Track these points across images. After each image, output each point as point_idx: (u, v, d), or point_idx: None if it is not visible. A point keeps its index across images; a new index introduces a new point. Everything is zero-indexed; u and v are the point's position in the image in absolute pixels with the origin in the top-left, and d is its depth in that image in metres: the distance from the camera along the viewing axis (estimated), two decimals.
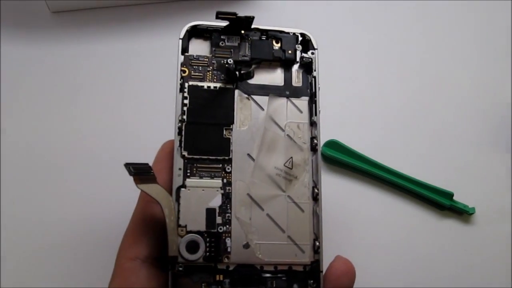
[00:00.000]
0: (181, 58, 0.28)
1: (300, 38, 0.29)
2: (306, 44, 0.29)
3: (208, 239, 0.25)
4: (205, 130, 0.27)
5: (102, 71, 0.42)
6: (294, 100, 0.28)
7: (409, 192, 0.40)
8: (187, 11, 0.44)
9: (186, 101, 0.27)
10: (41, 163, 0.39)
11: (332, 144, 0.40)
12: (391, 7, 0.46)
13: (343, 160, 0.40)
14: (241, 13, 0.27)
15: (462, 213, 0.40)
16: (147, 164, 0.25)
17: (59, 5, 0.42)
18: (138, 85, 0.41)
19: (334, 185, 0.40)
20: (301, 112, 0.28)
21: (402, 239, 0.39)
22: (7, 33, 0.42)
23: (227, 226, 0.26)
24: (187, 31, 0.28)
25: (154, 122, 0.40)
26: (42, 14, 0.43)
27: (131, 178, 0.24)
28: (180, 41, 0.28)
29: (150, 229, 0.26)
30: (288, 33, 0.29)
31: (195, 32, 0.28)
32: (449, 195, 0.40)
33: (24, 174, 0.38)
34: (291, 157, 0.27)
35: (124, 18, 0.43)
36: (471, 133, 0.43)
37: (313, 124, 0.28)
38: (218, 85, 0.27)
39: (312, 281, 0.25)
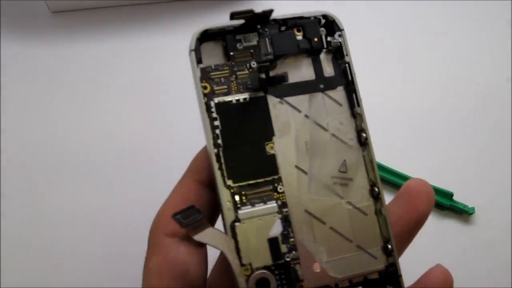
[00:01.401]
0: (198, 72, 0.23)
1: (323, 21, 0.25)
2: (331, 26, 0.25)
3: (277, 272, 0.23)
4: (246, 152, 0.23)
5: (102, 71, 0.42)
6: (330, 92, 0.25)
7: None
8: (189, 11, 0.44)
9: (216, 123, 0.23)
10: (41, 163, 0.39)
11: None
12: (394, 7, 0.46)
13: None
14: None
15: (462, 213, 0.40)
16: (193, 206, 0.22)
17: (59, 5, 0.42)
18: (139, 85, 0.41)
19: None
20: (340, 105, 0.25)
21: None
22: (7, 33, 0.42)
23: (294, 252, 0.23)
24: (197, 39, 0.23)
25: (155, 122, 0.40)
26: (42, 14, 0.42)
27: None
28: (193, 53, 0.23)
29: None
30: (308, 17, 0.25)
31: (204, 37, 0.24)
32: (449, 195, 0.40)
33: (24, 174, 0.38)
34: (344, 160, 0.24)
35: (124, 18, 0.43)
36: (471, 133, 0.43)
37: (356, 116, 0.25)
38: (246, 95, 0.24)
39: (391, 287, 0.24)
